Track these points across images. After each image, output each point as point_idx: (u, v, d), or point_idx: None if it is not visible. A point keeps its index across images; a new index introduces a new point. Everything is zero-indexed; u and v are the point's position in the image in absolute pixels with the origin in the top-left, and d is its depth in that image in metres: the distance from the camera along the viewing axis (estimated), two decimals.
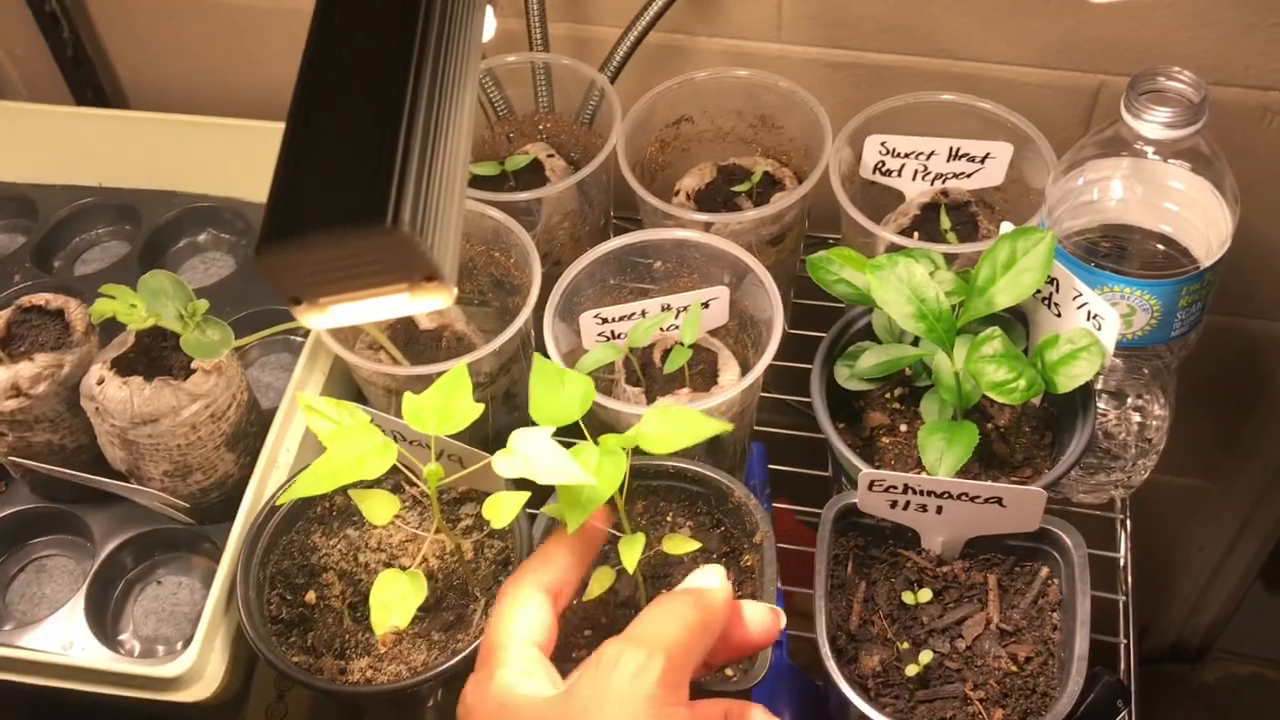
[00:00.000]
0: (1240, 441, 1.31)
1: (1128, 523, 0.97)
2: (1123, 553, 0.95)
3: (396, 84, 0.44)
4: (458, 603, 0.75)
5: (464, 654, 0.70)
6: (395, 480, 0.80)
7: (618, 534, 0.68)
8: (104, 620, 0.84)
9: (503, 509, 0.66)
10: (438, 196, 0.44)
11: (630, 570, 0.67)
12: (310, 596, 0.76)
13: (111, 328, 0.83)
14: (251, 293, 0.99)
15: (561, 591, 0.62)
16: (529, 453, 0.62)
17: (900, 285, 0.74)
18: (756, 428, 0.97)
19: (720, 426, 0.66)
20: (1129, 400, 0.95)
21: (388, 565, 0.77)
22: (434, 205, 0.43)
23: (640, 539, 0.68)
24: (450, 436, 0.67)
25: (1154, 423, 0.96)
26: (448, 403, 0.66)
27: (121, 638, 0.85)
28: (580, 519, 0.64)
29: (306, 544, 0.79)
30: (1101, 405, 0.96)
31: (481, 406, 0.66)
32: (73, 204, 1.08)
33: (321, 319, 0.44)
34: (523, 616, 0.59)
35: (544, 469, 0.62)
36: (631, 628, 0.56)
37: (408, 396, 0.66)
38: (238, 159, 1.05)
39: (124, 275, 1.02)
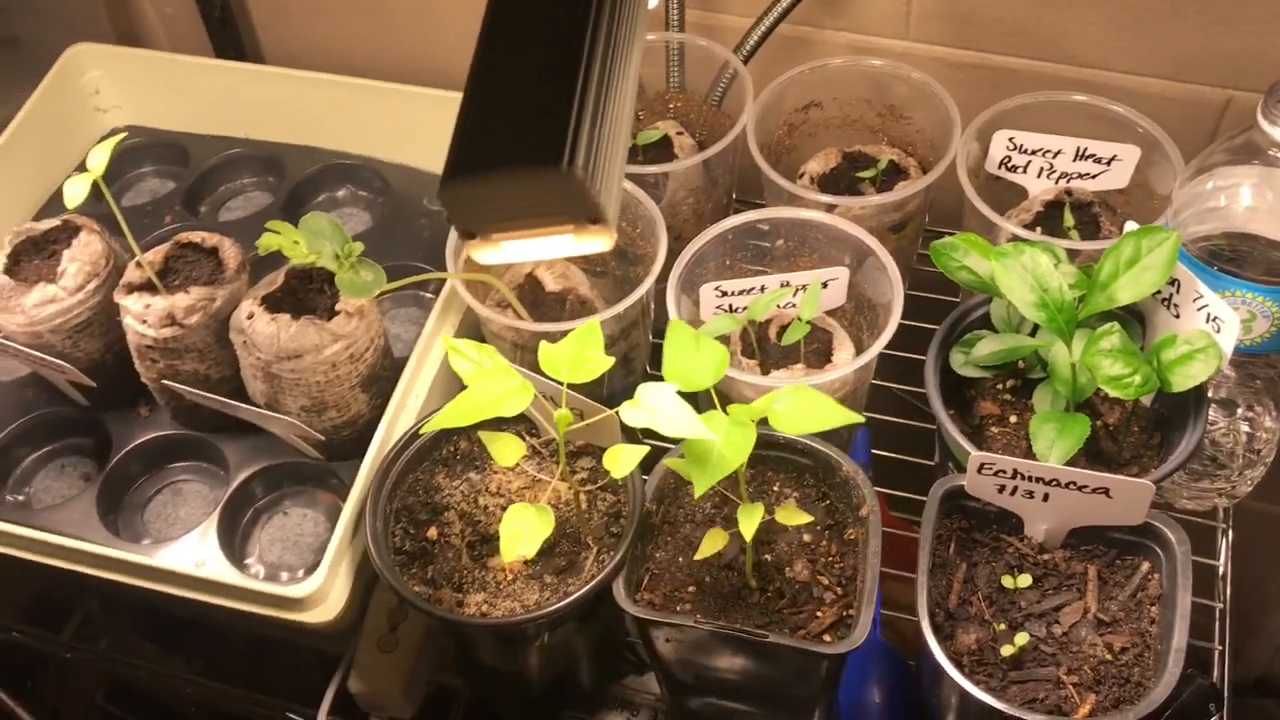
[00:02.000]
0: None
1: (1229, 532, 0.97)
2: (1222, 561, 0.95)
3: (575, 38, 0.48)
4: (570, 550, 0.79)
5: (573, 597, 0.73)
6: (518, 430, 0.84)
7: (736, 500, 0.71)
8: (233, 544, 0.90)
9: (622, 459, 0.69)
10: (607, 145, 0.47)
11: (748, 539, 0.69)
12: (432, 532, 0.81)
13: (259, 270, 0.89)
14: (386, 248, 1.04)
15: None
16: (655, 404, 0.65)
17: (1024, 274, 0.75)
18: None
19: (850, 417, 0.69)
20: (1239, 410, 0.95)
21: (505, 510, 0.81)
22: (604, 153, 0.47)
23: (759, 509, 0.70)
24: (574, 392, 0.70)
25: (1263, 434, 0.96)
26: (580, 353, 0.69)
27: (248, 561, 0.90)
28: (708, 482, 0.66)
29: (431, 483, 0.83)
30: (1210, 414, 0.96)
31: (612, 360, 0.69)
32: (221, 154, 1.14)
33: (492, 254, 0.48)
34: None
35: (668, 420, 0.65)
36: None
37: (544, 346, 0.70)
38: (377, 120, 1.10)
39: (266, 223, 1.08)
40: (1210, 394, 0.95)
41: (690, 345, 0.70)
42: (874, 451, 1.03)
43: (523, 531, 0.66)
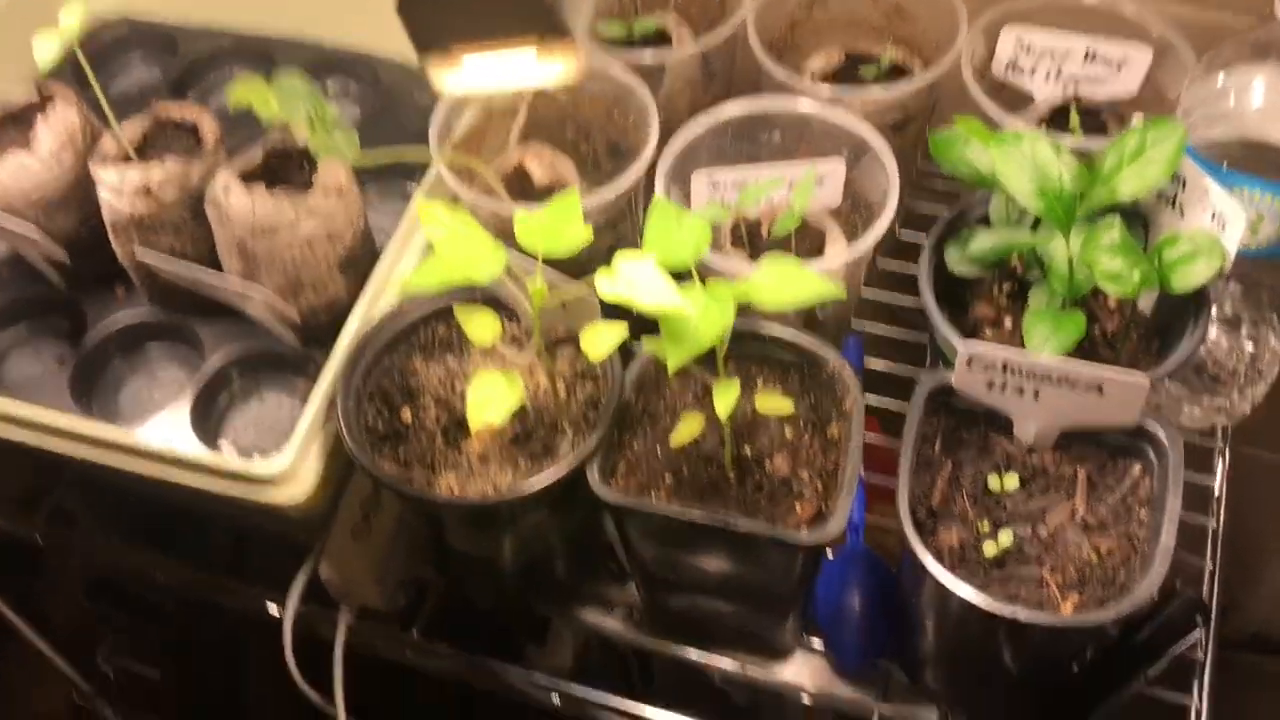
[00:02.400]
0: None
1: (1226, 452, 0.95)
2: (1218, 482, 0.93)
3: None
4: (547, 436, 0.77)
5: (549, 480, 0.72)
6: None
7: (713, 379, 0.69)
8: (206, 426, 0.88)
9: (600, 340, 0.67)
10: None
11: (722, 418, 0.67)
12: (406, 415, 0.79)
13: (240, 145, 0.86)
14: (377, 141, 1.00)
15: None
16: (631, 275, 0.63)
17: (1024, 161, 0.73)
18: (854, 327, 0.97)
19: (832, 290, 0.66)
20: (1244, 327, 0.93)
21: None
22: None
23: (735, 386, 0.68)
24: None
25: (1267, 353, 0.93)
26: (557, 224, 0.67)
27: (221, 443, 0.88)
28: (682, 357, 0.65)
29: (407, 367, 0.81)
30: (1214, 331, 0.94)
31: (590, 229, 0.66)
32: (211, 45, 1.12)
33: (454, 75, 0.45)
34: None
35: (645, 291, 0.63)
36: None
37: (519, 215, 0.67)
38: (369, 12, 1.06)
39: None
40: (1214, 310, 0.92)
41: (672, 221, 0.68)
42: (870, 366, 1.01)
43: (491, 398, 0.64)
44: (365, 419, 0.78)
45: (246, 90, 0.70)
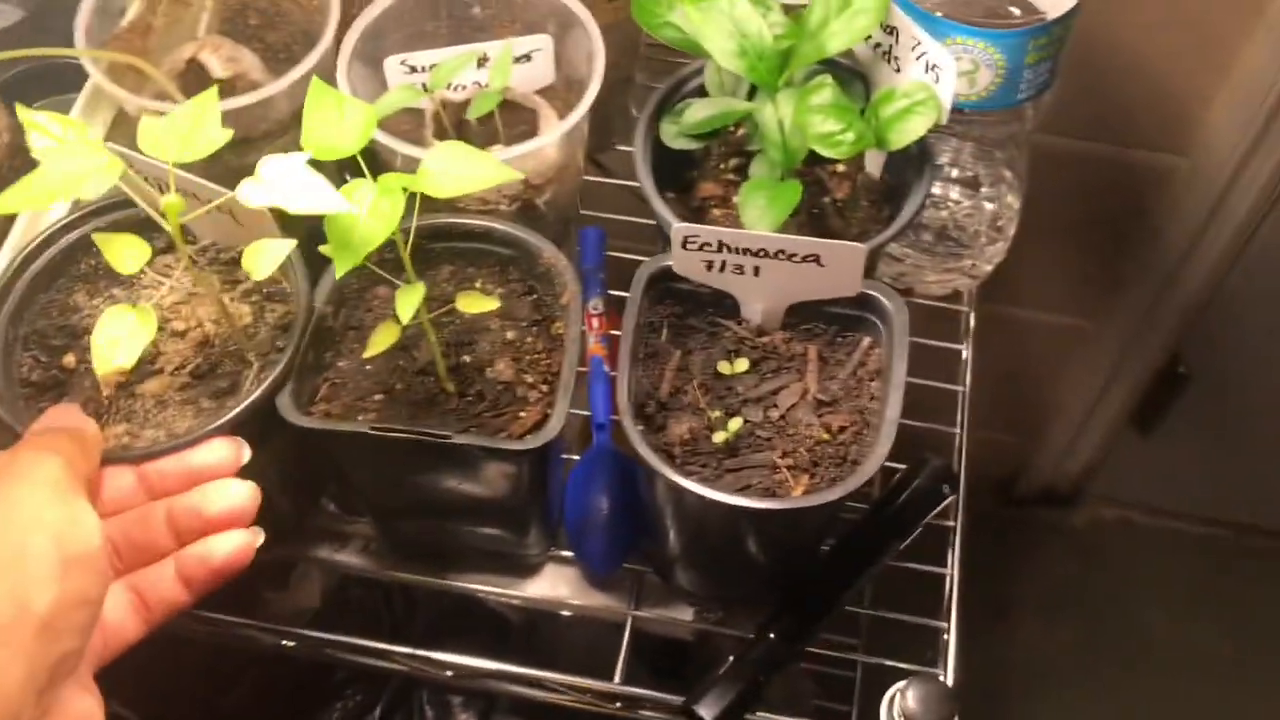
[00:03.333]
0: (1120, 280, 1.29)
1: (972, 316, 0.93)
2: (966, 345, 0.92)
3: None
4: (232, 369, 0.69)
5: (228, 418, 0.64)
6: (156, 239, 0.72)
7: (399, 284, 0.62)
8: None
9: (261, 258, 0.59)
10: None
11: (403, 320, 0.61)
12: (69, 360, 0.69)
13: None
14: (39, 43, 0.88)
15: None
16: (275, 177, 0.55)
17: (722, 19, 0.67)
18: (595, 214, 0.91)
19: (508, 174, 0.60)
20: (983, 189, 0.91)
21: (160, 330, 0.70)
22: None
23: (419, 288, 0.61)
24: None
25: (1006, 211, 0.92)
26: (192, 128, 0.58)
27: None
28: (350, 262, 0.58)
29: (68, 304, 0.71)
30: (955, 194, 0.92)
31: (229, 133, 0.58)
32: None
33: None
34: None
35: (294, 195, 0.55)
36: (18, 443, 0.55)
37: (144, 120, 0.58)
38: None
39: None
40: (955, 174, 0.90)
41: (332, 104, 0.60)
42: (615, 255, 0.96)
43: (119, 338, 0.56)
44: (19, 370, 0.68)
45: None
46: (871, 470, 0.64)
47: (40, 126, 0.56)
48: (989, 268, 0.92)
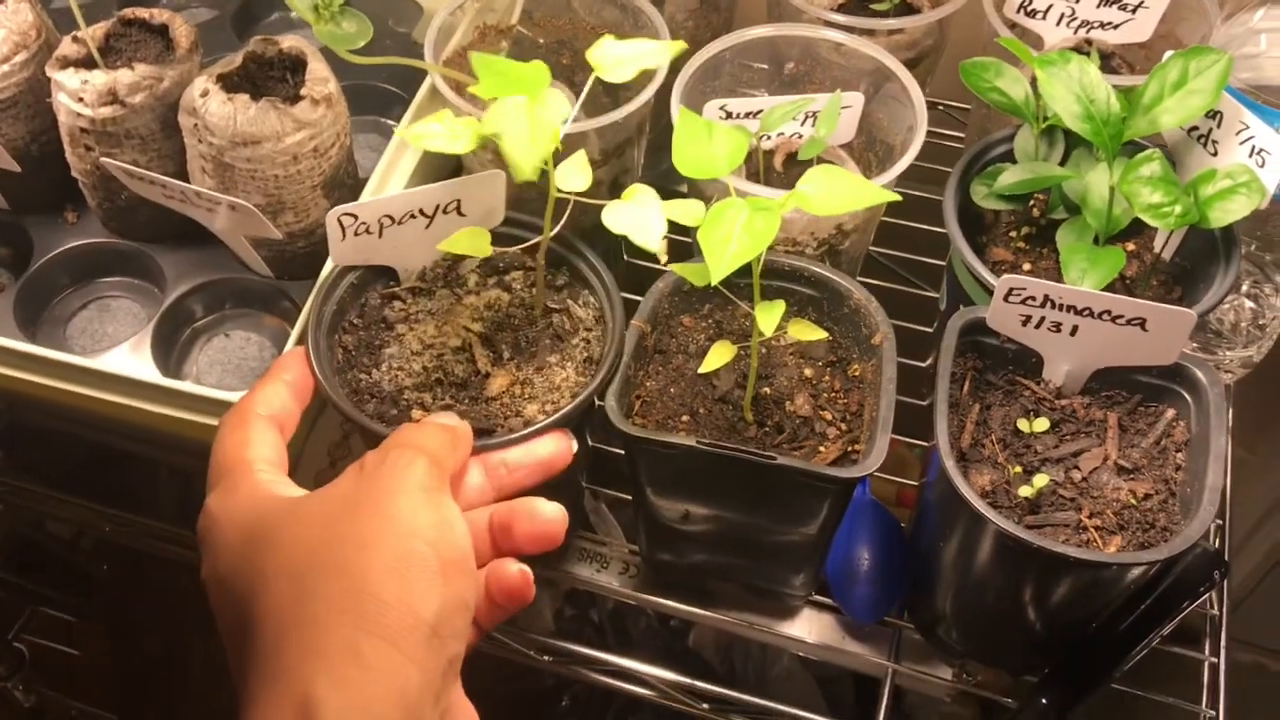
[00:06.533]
0: None
1: (1229, 412, 0.93)
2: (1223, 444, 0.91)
3: None
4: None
5: (564, 411, 0.66)
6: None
7: (731, 330, 0.64)
8: (167, 363, 0.80)
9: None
10: None
11: (767, 333, 0.63)
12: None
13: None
14: (349, 69, 0.94)
15: (284, 425, 0.61)
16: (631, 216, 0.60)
17: (1070, 82, 0.69)
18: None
19: (885, 195, 0.62)
20: (1244, 285, 0.92)
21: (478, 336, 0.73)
22: None
23: (779, 305, 0.64)
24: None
25: (1269, 311, 0.92)
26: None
27: (182, 381, 0.81)
28: (721, 273, 0.59)
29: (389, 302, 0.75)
30: None
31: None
32: None
33: None
34: (257, 438, 0.58)
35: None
36: (387, 442, 0.56)
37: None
38: None
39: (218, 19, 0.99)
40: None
41: (702, 131, 0.63)
42: None
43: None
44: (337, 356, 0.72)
45: None
46: (1197, 533, 0.64)
47: (423, 134, 0.60)
48: (1243, 370, 0.92)
